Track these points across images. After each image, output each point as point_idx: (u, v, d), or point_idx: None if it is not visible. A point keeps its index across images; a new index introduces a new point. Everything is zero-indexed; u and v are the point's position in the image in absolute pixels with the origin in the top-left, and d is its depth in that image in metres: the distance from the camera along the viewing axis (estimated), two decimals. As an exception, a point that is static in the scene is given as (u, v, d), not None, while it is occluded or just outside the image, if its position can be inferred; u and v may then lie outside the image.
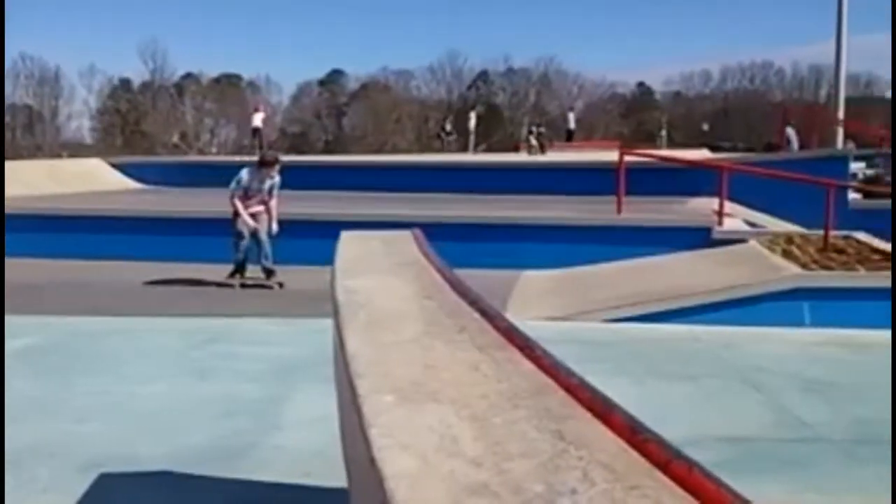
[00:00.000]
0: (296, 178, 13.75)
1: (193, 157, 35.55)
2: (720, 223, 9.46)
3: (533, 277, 8.68)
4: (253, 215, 8.31)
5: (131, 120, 59.85)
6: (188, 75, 64.91)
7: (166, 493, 3.22)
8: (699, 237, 9.09)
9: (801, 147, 17.23)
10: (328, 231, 3.09)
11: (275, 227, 8.44)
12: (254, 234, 8.33)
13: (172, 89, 62.59)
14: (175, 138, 58.08)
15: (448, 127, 32.12)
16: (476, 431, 0.86)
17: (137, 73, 63.16)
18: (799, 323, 6.50)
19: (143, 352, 5.36)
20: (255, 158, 9.31)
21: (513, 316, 7.16)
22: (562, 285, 8.29)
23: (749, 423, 4.09)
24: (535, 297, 7.99)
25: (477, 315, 1.43)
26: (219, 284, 8.48)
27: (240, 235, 8.32)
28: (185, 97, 62.93)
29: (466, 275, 7.13)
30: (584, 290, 7.97)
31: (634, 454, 0.78)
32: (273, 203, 8.48)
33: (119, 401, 4.27)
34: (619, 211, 9.87)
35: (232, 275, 8.49)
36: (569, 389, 0.98)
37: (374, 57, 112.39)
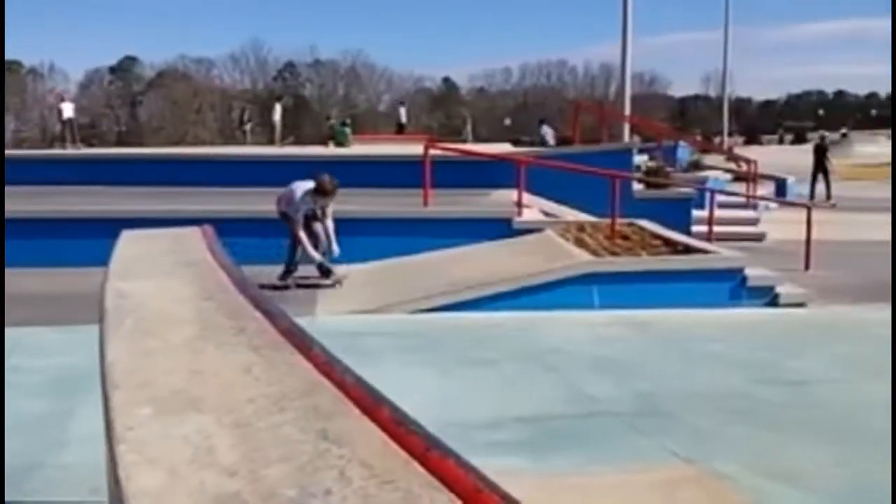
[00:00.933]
0: (81, 173, 12.78)
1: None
2: (519, 214, 9.90)
3: (343, 271, 8.64)
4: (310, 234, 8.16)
5: None
6: (-45, 60, 58.36)
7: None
8: (501, 228, 9.47)
9: (563, 142, 18.51)
10: (109, 230, 2.88)
11: (335, 248, 8.31)
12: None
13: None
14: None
15: (246, 117, 31.02)
16: (236, 439, 0.82)
17: None
18: (590, 306, 6.96)
19: None
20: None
21: (323, 311, 7.11)
22: (371, 278, 8.32)
23: (544, 403, 4.32)
24: (345, 290, 7.97)
25: (259, 315, 1.38)
26: (274, 287, 7.82)
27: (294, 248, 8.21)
28: (-48, 84, 56.38)
29: (273, 272, 6.92)
30: (393, 283, 8.05)
31: (395, 447, 0.78)
32: (330, 224, 8.33)
33: None
34: (425, 203, 10.05)
35: (284, 276, 8.25)
36: (341, 387, 0.97)
37: (170, 44, 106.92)
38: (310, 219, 8.20)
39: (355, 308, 6.94)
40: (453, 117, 63.90)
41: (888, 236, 12.01)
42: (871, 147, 43.74)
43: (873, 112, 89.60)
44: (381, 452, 0.77)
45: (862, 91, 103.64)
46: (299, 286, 8.26)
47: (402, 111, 32.71)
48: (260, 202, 9.00)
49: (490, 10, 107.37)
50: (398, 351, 5.42)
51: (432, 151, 10.71)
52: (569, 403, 4.34)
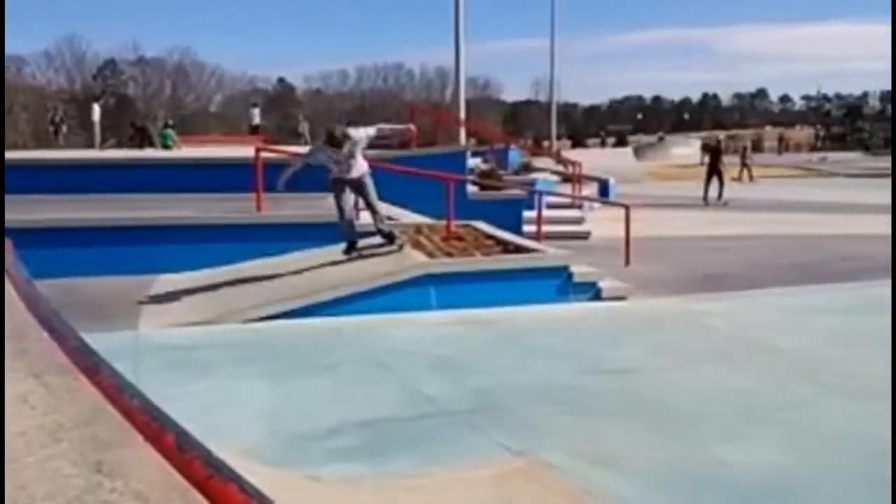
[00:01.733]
0: None
1: None
2: (358, 217, 9.85)
3: (170, 281, 8.24)
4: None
5: None
6: None
7: None
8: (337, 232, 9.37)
9: (402, 146, 18.71)
10: None
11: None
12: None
13: None
14: None
15: (59, 118, 28.83)
16: None
17: None
18: (428, 307, 7.04)
19: None
20: None
21: (147, 325, 6.72)
22: (202, 288, 7.98)
23: (383, 406, 4.31)
24: (174, 302, 7.59)
25: (46, 335, 1.27)
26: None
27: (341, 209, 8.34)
28: None
29: (93, 283, 6.50)
30: (227, 291, 7.77)
31: (176, 476, 0.73)
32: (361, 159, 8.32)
33: None
34: (258, 208, 9.78)
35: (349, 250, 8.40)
36: (126, 413, 0.90)
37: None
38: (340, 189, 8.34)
39: (183, 320, 6.63)
40: (290, 118, 62.74)
41: (701, 231, 13.05)
42: (684, 149, 47.35)
43: (686, 116, 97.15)
44: (158, 482, 0.71)
45: (676, 96, 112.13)
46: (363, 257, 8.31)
47: (256, 112, 31.77)
48: (76, 209, 8.40)
49: (324, 12, 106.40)
50: (231, 363, 5.22)
51: (265, 154, 10.44)
52: (407, 405, 4.35)
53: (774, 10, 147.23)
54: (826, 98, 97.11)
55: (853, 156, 41.37)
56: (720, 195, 20.07)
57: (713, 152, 21.79)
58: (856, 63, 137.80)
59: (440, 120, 20.74)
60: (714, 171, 20.52)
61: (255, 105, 33.94)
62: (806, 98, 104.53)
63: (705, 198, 19.93)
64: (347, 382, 4.81)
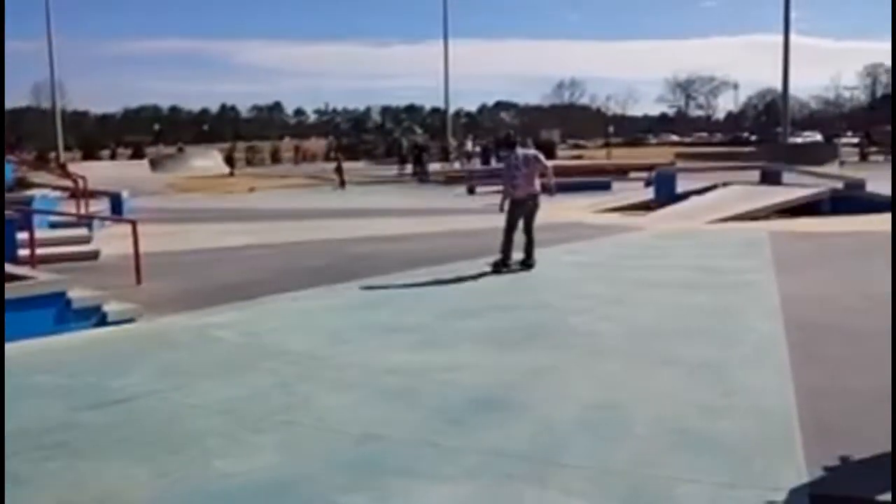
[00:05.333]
0: None
1: None
2: None
3: None
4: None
5: None
6: None
7: None
8: None
9: None
10: None
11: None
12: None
13: None
14: None
15: None
16: None
17: None
18: None
19: None
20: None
21: None
22: None
23: None
24: None
25: None
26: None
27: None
28: None
29: None
30: None
31: None
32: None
33: None
34: None
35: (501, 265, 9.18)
36: None
37: None
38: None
39: None
40: None
41: (221, 243, 13.07)
42: (205, 161, 47.12)
43: (206, 127, 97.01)
44: None
45: (195, 107, 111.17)
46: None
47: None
48: None
49: None
50: None
51: None
52: None
53: (290, 27, 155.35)
54: (335, 112, 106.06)
55: (360, 164, 45.80)
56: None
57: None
58: (359, 81, 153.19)
59: None
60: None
61: None
62: (318, 112, 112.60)
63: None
64: None
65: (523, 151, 9.63)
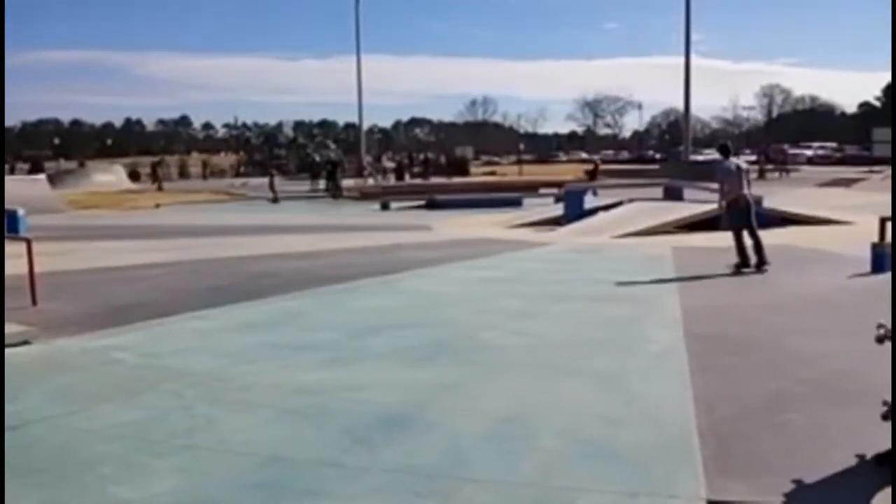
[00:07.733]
0: None
1: None
2: None
3: None
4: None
5: None
6: None
7: None
8: None
9: None
10: None
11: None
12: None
13: None
14: None
15: None
16: None
17: None
18: None
19: None
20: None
21: None
22: None
23: None
24: None
25: None
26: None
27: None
28: None
29: None
30: None
31: None
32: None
33: None
34: None
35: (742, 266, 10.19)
36: None
37: None
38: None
39: None
40: None
41: (119, 262, 12.60)
42: (108, 176, 45.46)
43: (109, 141, 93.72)
44: None
45: (98, 121, 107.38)
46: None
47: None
48: None
49: None
50: None
51: None
52: None
53: (193, 39, 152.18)
54: (245, 126, 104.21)
55: (272, 180, 45.11)
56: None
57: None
58: (269, 95, 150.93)
59: None
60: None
61: None
62: (227, 126, 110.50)
63: None
64: None
65: (735, 160, 10.92)
